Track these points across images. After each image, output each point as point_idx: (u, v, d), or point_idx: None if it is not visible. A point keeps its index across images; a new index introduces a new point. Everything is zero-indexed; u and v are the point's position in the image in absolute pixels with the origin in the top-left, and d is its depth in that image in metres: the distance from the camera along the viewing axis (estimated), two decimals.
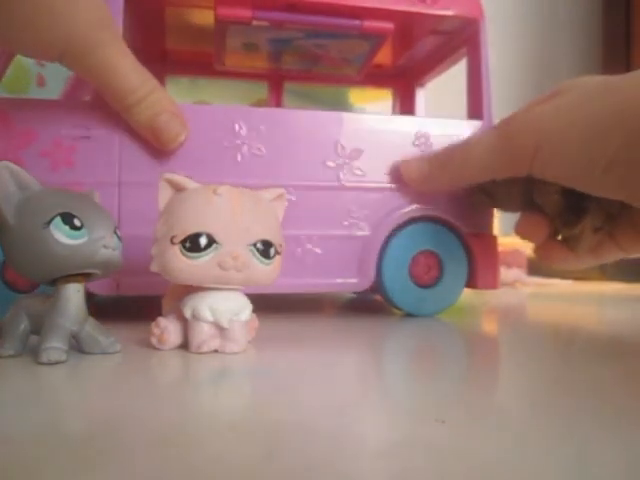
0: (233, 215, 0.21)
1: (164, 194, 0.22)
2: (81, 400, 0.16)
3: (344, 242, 0.31)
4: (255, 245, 0.21)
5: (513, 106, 0.28)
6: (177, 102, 0.28)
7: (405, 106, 0.45)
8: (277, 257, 0.22)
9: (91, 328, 0.21)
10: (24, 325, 0.21)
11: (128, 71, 0.26)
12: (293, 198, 0.30)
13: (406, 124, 0.32)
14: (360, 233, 0.31)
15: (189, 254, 0.20)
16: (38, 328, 0.20)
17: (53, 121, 0.27)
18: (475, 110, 0.34)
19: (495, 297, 0.45)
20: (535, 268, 0.61)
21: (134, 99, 0.26)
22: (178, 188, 0.22)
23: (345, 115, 0.31)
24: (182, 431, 0.13)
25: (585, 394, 0.17)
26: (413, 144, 0.32)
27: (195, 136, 0.29)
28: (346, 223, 0.31)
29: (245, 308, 0.22)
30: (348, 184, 0.31)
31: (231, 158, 0.29)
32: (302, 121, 0.31)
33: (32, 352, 0.20)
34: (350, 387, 0.18)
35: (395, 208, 0.32)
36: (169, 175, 0.22)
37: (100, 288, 0.27)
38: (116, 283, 0.28)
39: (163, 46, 0.41)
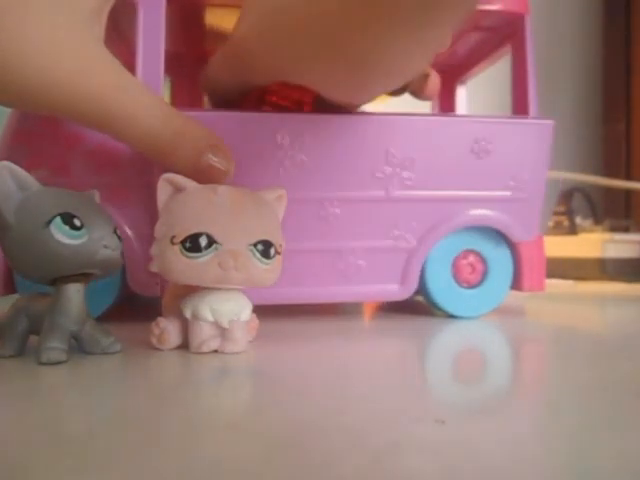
0: (233, 215, 0.21)
1: (163, 194, 0.22)
2: (81, 400, 0.16)
3: (388, 254, 0.30)
4: (255, 245, 0.21)
5: None
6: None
7: (445, 104, 0.43)
8: (277, 257, 0.22)
9: (91, 328, 0.21)
10: (24, 325, 0.21)
11: (148, 108, 0.22)
12: (337, 211, 0.29)
13: (465, 127, 0.30)
14: (405, 244, 0.30)
15: (189, 254, 0.20)
16: (38, 328, 0.20)
17: None
18: (521, 107, 0.33)
19: None
20: None
21: (163, 143, 0.23)
22: (178, 188, 0.22)
23: (397, 119, 0.29)
24: (182, 431, 0.13)
25: (587, 394, 0.17)
26: (472, 151, 0.30)
27: (233, 148, 0.25)
28: (392, 235, 0.30)
29: (245, 308, 0.22)
30: (397, 196, 0.29)
31: (272, 170, 0.28)
32: (350, 127, 0.28)
33: (32, 352, 0.20)
34: (350, 387, 0.18)
35: (443, 218, 0.30)
36: (169, 175, 0.22)
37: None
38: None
39: (203, 47, 0.41)
